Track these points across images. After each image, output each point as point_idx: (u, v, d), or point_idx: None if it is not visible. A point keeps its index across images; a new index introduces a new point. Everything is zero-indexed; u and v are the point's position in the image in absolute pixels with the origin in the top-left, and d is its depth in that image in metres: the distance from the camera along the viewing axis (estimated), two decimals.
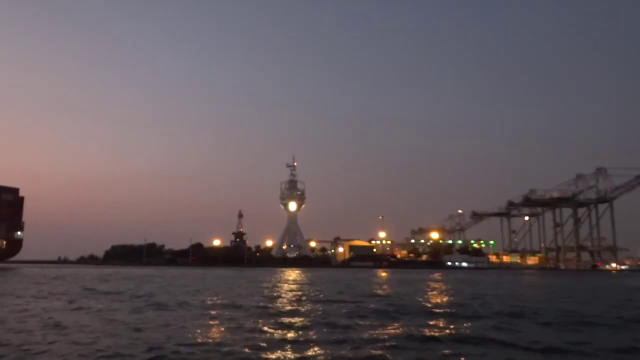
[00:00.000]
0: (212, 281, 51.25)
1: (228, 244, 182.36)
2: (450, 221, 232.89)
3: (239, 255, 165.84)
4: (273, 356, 12.00)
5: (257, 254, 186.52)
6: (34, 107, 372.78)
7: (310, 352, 12.46)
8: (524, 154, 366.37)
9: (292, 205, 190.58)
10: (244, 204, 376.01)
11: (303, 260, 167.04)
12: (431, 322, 18.56)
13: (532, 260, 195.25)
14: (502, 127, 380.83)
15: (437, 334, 15.62)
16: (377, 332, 15.87)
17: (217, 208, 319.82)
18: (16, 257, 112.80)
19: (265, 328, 16.35)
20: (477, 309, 23.48)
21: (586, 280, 75.82)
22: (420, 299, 29.84)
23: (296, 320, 18.58)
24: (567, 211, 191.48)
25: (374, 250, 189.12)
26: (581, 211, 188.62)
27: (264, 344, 13.34)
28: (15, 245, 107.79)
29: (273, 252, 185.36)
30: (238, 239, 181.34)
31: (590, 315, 21.53)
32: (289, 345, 13.30)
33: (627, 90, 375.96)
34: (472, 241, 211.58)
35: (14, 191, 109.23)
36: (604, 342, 14.56)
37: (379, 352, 12.57)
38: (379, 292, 36.82)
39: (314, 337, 14.69)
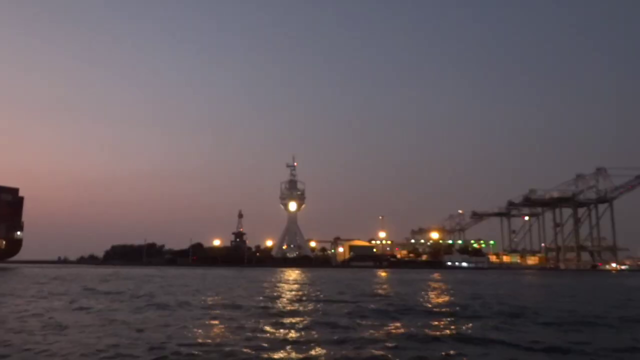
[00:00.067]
0: (212, 281, 51.26)
1: (228, 244, 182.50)
2: (450, 221, 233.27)
3: (239, 255, 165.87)
4: (274, 356, 12.00)
5: (257, 254, 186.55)
6: (34, 107, 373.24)
7: (311, 352, 12.46)
8: (524, 154, 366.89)
9: (292, 205, 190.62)
10: (244, 204, 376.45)
11: (303, 260, 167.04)
12: (431, 322, 18.55)
13: (532, 260, 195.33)
14: (502, 127, 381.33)
15: (437, 333, 15.62)
16: (377, 332, 15.87)
17: (217, 208, 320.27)
18: (16, 257, 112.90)
19: (266, 328, 16.35)
20: (478, 309, 23.48)
21: (586, 280, 75.84)
22: (421, 299, 29.84)
23: (297, 320, 18.58)
24: (567, 211, 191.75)
25: (374, 250, 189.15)
26: (581, 211, 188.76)
27: (265, 344, 13.34)
28: (15, 245, 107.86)
29: (273, 252, 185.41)
30: (238, 239, 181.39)
31: (590, 316, 21.53)
32: (290, 346, 13.29)
33: (627, 90, 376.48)
34: (472, 241, 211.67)
35: (14, 191, 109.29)
36: (604, 342, 14.56)
37: (380, 352, 12.57)
38: (379, 292, 36.82)
39: (315, 337, 14.69)
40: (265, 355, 12.01)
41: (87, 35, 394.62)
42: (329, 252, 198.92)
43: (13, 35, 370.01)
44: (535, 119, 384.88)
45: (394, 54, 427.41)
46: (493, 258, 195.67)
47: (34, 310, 21.15)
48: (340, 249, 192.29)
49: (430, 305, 25.30)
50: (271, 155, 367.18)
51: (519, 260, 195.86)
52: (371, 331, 15.94)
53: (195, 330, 15.90)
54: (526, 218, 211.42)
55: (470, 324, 17.99)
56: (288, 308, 23.18)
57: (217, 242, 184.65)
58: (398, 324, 17.83)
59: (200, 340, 13.85)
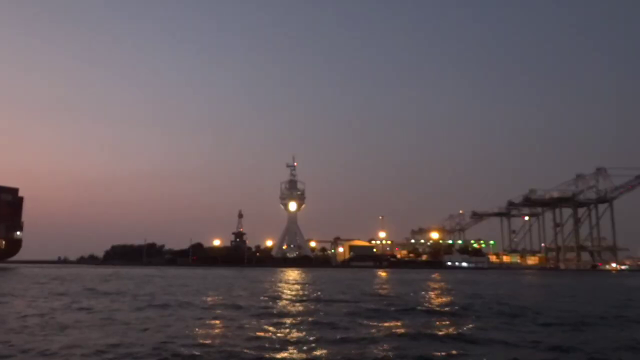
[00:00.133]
0: (213, 281, 51.28)
1: (228, 244, 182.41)
2: (450, 221, 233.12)
3: (239, 255, 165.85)
4: (275, 356, 12.00)
5: (257, 254, 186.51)
6: (34, 107, 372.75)
7: (312, 353, 12.46)
8: (524, 154, 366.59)
9: (292, 205, 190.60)
10: (244, 204, 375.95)
11: (303, 260, 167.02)
12: (432, 322, 18.57)
13: (532, 261, 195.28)
14: (502, 127, 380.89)
15: (438, 333, 15.64)
16: (378, 332, 15.88)
17: (217, 208, 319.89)
18: (15, 257, 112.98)
19: (267, 328, 16.36)
20: (478, 309, 23.49)
21: (586, 280, 75.86)
22: (421, 299, 29.86)
23: (298, 320, 18.60)
24: (567, 211, 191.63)
25: (374, 250, 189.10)
26: (581, 211, 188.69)
27: (266, 344, 13.35)
28: (15, 245, 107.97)
29: (273, 252, 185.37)
30: (238, 239, 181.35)
31: (590, 316, 21.55)
32: (291, 346, 13.30)
33: (627, 90, 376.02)
34: (472, 241, 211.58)
35: (13, 191, 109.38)
36: (605, 342, 14.57)
37: (381, 352, 12.58)
38: (380, 292, 36.84)
39: (316, 337, 14.69)
40: (267, 356, 12.01)
41: (87, 35, 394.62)
42: (329, 252, 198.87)
43: (13, 35, 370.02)
44: (535, 119, 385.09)
45: (394, 54, 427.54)
46: (493, 258, 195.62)
47: (34, 310, 21.15)
48: (340, 249, 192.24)
49: (430, 305, 25.31)
50: (271, 155, 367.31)
51: (519, 260, 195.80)
52: (372, 331, 15.95)
53: (197, 330, 15.91)
54: (526, 218, 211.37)
55: (471, 324, 18.00)
56: (289, 308, 23.19)
57: (217, 242, 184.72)
58: (399, 324, 17.84)
59: (201, 341, 13.86)
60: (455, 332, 15.92)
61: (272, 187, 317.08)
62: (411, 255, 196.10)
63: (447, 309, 23.65)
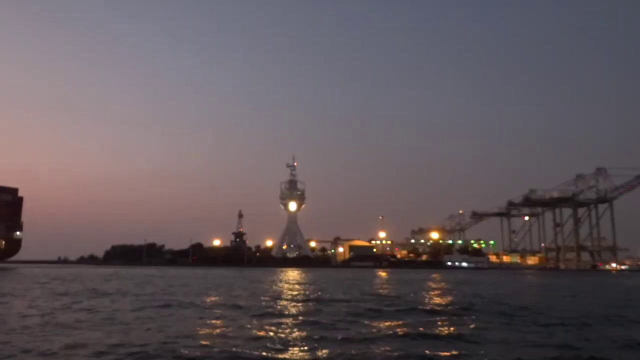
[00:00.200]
0: (213, 281, 51.27)
1: (228, 244, 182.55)
2: (450, 221, 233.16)
3: (239, 255, 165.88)
4: (276, 356, 12.01)
5: (257, 254, 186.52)
6: (34, 107, 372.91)
7: (312, 352, 12.47)
8: (524, 154, 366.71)
9: (292, 205, 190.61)
10: (244, 204, 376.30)
11: (303, 260, 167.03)
12: (432, 322, 18.58)
13: (532, 261, 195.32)
14: (502, 127, 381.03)
15: (439, 333, 15.64)
16: (378, 331, 15.89)
17: (217, 208, 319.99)
18: (15, 257, 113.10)
19: (267, 328, 16.36)
20: (478, 309, 23.50)
21: (586, 280, 75.88)
22: (422, 299, 29.86)
23: (298, 320, 18.60)
24: (567, 211, 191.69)
25: (374, 250, 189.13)
26: (581, 211, 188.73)
27: (266, 344, 13.35)
28: (15, 245, 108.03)
29: (273, 252, 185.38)
30: (238, 239, 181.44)
31: (590, 315, 21.56)
32: (291, 346, 13.31)
33: (627, 90, 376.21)
34: (472, 241, 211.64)
35: (13, 191, 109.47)
36: (605, 341, 14.58)
37: (381, 351, 12.59)
38: (380, 292, 36.84)
39: (317, 337, 14.70)
40: (268, 356, 12.02)
41: (87, 35, 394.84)
42: (329, 252, 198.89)
43: (13, 35, 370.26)
44: (535, 119, 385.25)
45: (394, 54, 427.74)
46: (493, 258, 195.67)
47: (34, 310, 21.15)
48: (340, 249, 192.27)
49: (431, 305, 25.31)
50: (271, 155, 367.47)
51: (519, 260, 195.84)
52: (373, 331, 15.96)
53: (197, 330, 15.91)
54: (526, 218, 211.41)
55: (472, 324, 18.01)
56: (289, 308, 23.19)
57: (217, 242, 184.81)
58: (399, 324, 17.84)
59: (202, 341, 13.86)
60: (455, 332, 15.93)
61: (272, 187, 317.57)
62: (411, 255, 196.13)
63: (447, 309, 23.65)
